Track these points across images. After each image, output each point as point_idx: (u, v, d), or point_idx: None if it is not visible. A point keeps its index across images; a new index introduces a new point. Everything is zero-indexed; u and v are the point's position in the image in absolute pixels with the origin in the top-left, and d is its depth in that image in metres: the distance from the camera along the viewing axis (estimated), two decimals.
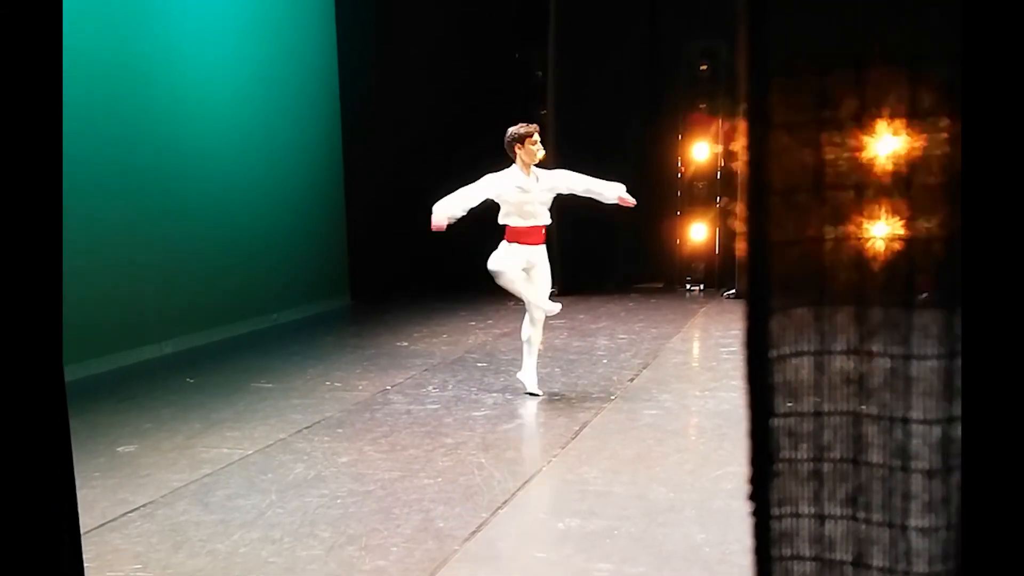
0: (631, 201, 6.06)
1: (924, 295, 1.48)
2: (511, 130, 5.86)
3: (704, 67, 10.30)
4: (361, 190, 10.20)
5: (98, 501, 4.24)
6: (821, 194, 1.44)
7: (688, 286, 10.60)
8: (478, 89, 10.83)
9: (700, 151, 10.42)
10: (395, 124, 10.25)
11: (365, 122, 10.12)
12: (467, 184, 5.84)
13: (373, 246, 10.22)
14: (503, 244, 5.90)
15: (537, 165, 5.93)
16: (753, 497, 1.50)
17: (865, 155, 1.43)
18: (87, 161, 6.71)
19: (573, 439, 5.12)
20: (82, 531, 3.82)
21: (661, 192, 10.65)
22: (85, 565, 3.58)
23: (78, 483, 1.87)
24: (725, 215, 9.85)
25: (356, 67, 9.98)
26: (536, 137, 5.83)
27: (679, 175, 10.60)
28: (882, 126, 1.41)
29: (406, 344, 7.90)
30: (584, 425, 5.36)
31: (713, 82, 10.29)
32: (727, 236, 10.21)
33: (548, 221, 5.96)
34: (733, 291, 9.95)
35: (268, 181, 8.96)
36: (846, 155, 1.43)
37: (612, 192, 6.05)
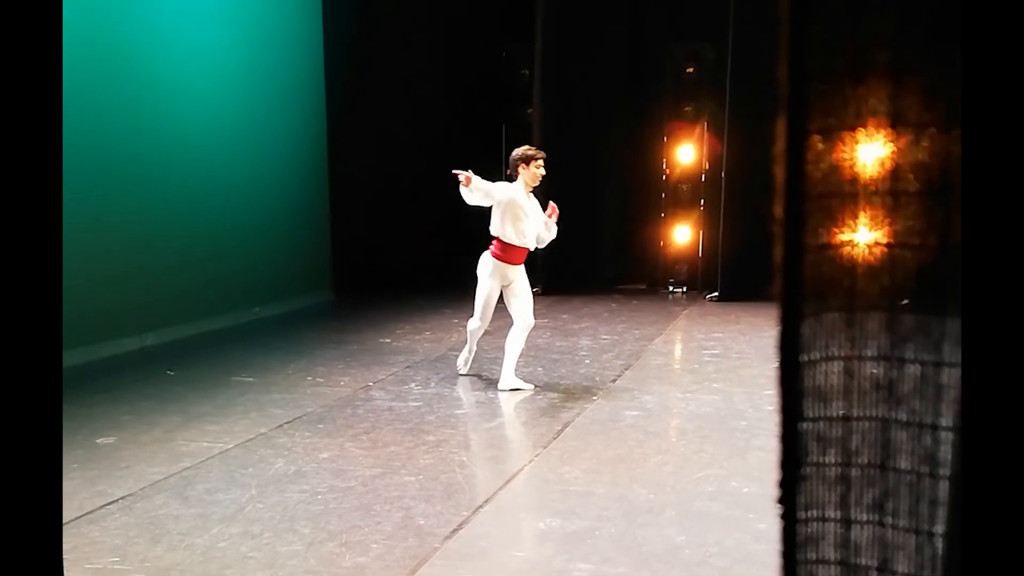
0: (553, 209, 6.14)
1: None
2: (520, 150, 6.06)
3: (690, 70, 10.35)
4: (345, 185, 10.17)
5: (76, 493, 4.22)
6: (855, 199, 1.45)
7: (671, 288, 10.64)
8: (464, 87, 10.83)
9: (685, 154, 10.46)
10: (380, 120, 10.24)
11: (350, 117, 10.09)
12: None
13: (356, 241, 10.20)
14: (488, 257, 6.08)
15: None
16: (781, 500, 1.50)
17: (898, 161, 1.43)
18: (69, 152, 6.62)
19: (555, 439, 5.13)
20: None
21: (645, 194, 10.70)
22: (63, 557, 3.55)
23: None
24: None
25: (342, 62, 9.95)
26: (541, 162, 6.01)
27: (664, 177, 10.63)
28: (916, 133, 1.41)
29: (389, 341, 7.89)
30: (566, 425, 5.37)
31: (699, 85, 10.34)
32: (711, 238, 10.26)
33: (532, 246, 6.13)
34: (716, 294, 10.01)
35: (252, 174, 8.92)
36: (880, 161, 1.43)
37: (546, 231, 6.16)
